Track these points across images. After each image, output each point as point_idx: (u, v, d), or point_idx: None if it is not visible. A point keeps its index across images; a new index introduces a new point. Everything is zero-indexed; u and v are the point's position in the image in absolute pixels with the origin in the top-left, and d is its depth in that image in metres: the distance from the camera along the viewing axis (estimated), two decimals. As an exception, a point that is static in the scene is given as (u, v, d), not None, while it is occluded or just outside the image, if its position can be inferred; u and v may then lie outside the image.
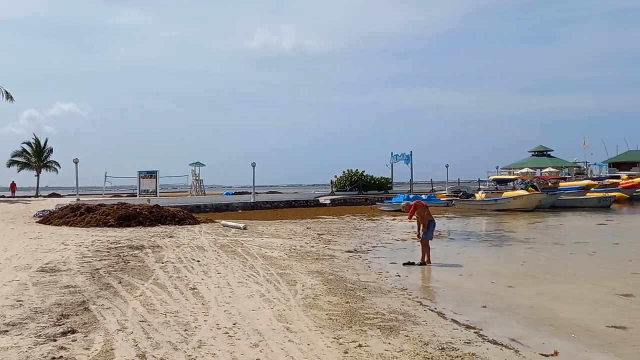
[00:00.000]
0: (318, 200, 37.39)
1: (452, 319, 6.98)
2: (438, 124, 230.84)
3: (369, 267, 11.72)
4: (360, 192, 43.91)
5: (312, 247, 14.80)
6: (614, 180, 46.14)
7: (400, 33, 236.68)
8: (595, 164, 69.37)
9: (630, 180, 44.95)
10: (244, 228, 18.78)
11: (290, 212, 30.67)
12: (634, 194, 41.40)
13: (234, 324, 6.44)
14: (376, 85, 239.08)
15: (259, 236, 16.99)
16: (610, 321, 6.96)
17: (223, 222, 20.91)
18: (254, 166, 36.34)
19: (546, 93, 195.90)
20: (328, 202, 36.97)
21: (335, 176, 47.11)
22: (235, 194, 49.96)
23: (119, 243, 14.47)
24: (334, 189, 46.11)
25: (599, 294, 8.78)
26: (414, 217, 12.55)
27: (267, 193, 53.60)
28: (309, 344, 5.60)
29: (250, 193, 37.39)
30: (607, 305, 7.94)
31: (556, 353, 5.60)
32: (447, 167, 51.75)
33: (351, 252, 14.10)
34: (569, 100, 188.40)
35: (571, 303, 8.18)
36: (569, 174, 60.77)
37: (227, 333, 6.04)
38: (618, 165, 68.43)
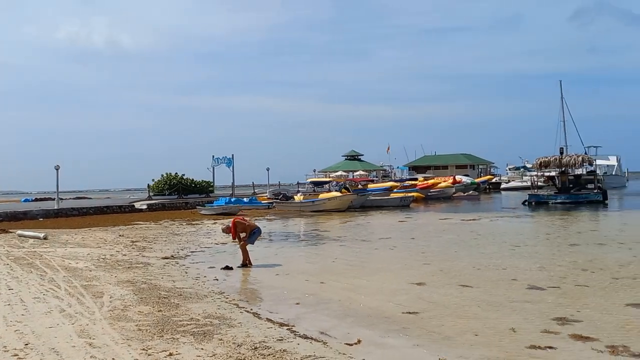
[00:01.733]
0: (133, 206, 35.23)
1: (267, 318, 7.10)
2: (260, 128, 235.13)
3: (186, 272, 11.38)
4: (180, 196, 42.55)
5: (124, 255, 13.88)
6: (413, 182, 51.80)
7: (224, 38, 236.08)
8: (397, 168, 77.18)
9: (425, 182, 50.87)
10: (45, 238, 16.84)
11: (101, 219, 28.35)
12: (429, 194, 46.91)
13: (26, 344, 5.70)
14: (200, 89, 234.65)
15: (62, 246, 15.38)
16: (405, 308, 7.75)
17: (19, 232, 18.50)
18: (57, 169, 32.86)
19: (357, 102, 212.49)
20: (145, 207, 35.09)
21: (153, 180, 44.95)
22: (36, 200, 44.67)
23: None
24: (151, 194, 43.93)
25: (397, 284, 9.73)
26: (238, 234, 12.45)
27: (74, 199, 48.94)
28: (113, 359, 5.20)
29: (53, 199, 33.72)
30: (403, 294, 8.84)
31: (359, 341, 6.04)
32: (268, 170, 52.98)
33: (168, 258, 13.56)
34: (376, 110, 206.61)
35: (374, 293, 8.93)
36: (376, 177, 66.61)
37: (16, 355, 5.31)
38: (416, 168, 77.13)
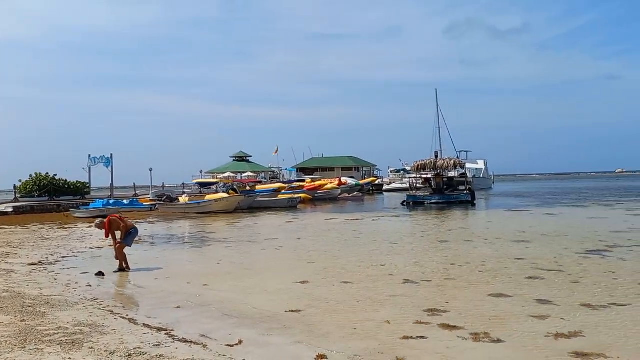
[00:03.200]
0: (-4, 208, 31.98)
1: (144, 324, 6.80)
2: (143, 127, 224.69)
3: (56, 279, 10.56)
4: (52, 198, 39.31)
5: (-17, 262, 12.54)
6: (300, 184, 52.60)
7: (104, 30, 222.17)
8: (286, 169, 78.00)
9: (312, 183, 51.89)
10: None
11: (-44, 223, 25.38)
12: (316, 195, 47.88)
13: None
14: (80, 83, 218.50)
15: None
16: (288, 306, 7.83)
17: None
18: None
19: (246, 103, 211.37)
20: (10, 210, 32.01)
21: (20, 180, 41.04)
22: None
23: None
24: (18, 196, 40.08)
25: (281, 283, 9.81)
26: (113, 232, 11.76)
27: None
28: (-36, 377, 4.68)
29: None
30: (287, 293, 8.93)
31: (240, 342, 6.00)
32: (150, 170, 50.80)
33: (35, 264, 12.49)
34: (265, 112, 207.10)
35: (258, 293, 8.93)
36: (265, 178, 66.66)
37: None
38: (304, 170, 78.47)
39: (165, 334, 6.31)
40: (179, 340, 5.98)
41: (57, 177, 41.41)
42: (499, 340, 6.00)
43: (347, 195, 52.97)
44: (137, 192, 48.88)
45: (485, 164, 75.79)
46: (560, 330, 6.29)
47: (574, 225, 19.88)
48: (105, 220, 11.68)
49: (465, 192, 37.29)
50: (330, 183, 52.82)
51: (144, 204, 36.53)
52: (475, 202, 35.91)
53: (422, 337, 6.18)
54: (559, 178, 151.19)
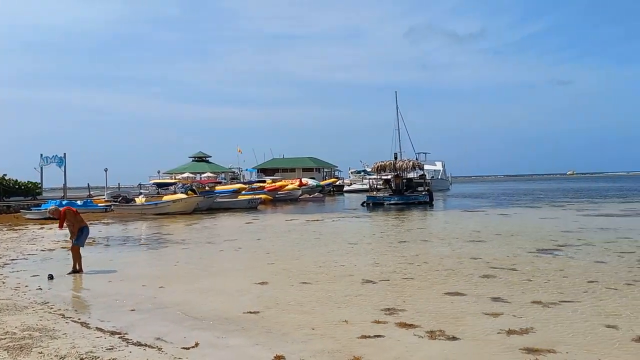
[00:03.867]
0: (-60, 210, 30.49)
1: (96, 327, 6.61)
2: (99, 126, 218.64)
3: (4, 282, 10.16)
4: (2, 199, 37.78)
5: None
6: (261, 184, 52.31)
7: (55, 27, 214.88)
8: (247, 170, 77.39)
9: (273, 184, 51.69)
10: None
11: None
12: (277, 196, 47.71)
13: None
14: (33, 80, 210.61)
15: None
16: (247, 307, 7.76)
17: None
18: None
19: (206, 103, 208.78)
20: (-45, 211, 30.56)
21: (-34, 180, 39.27)
22: None
23: None
24: (-36, 196, 38.32)
25: (240, 285, 9.71)
26: (65, 226, 11.44)
27: None
28: None
29: None
30: (245, 294, 8.86)
31: (197, 344, 5.91)
32: (106, 171, 49.45)
33: (-19, 268, 11.95)
34: (225, 112, 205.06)
35: (216, 295, 8.82)
36: (225, 179, 65.99)
37: None
38: (265, 171, 78.06)
39: (119, 337, 6.15)
40: (132, 344, 5.84)
41: (6, 177, 39.84)
42: (454, 338, 6.12)
43: (308, 196, 53.02)
44: (91, 192, 47.50)
45: (443, 166, 77.40)
46: (513, 327, 6.47)
47: (527, 225, 20.51)
48: (61, 209, 11.39)
49: (423, 193, 37.92)
50: (291, 184, 52.78)
51: (99, 205, 35.58)
52: (433, 202, 36.55)
53: (379, 336, 6.23)
54: (513, 179, 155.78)
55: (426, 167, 54.00)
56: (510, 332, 6.29)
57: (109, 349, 5.60)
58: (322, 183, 62.82)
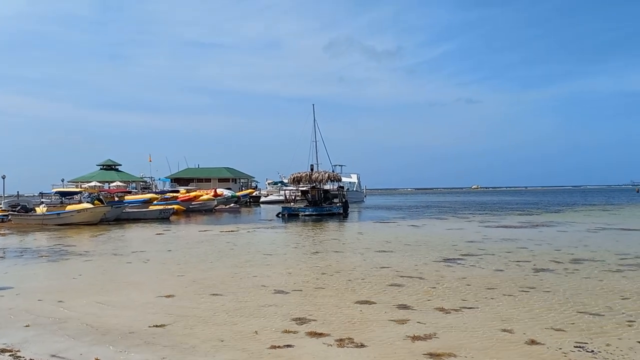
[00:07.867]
0: None
1: (-17, 346, 6.07)
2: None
3: None
4: None
5: None
6: (174, 194, 50.69)
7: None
8: (159, 179, 74.73)
9: (187, 195, 50.29)
10: None
11: None
12: (190, 206, 46.46)
13: None
14: None
15: None
16: (152, 321, 7.48)
17: None
18: None
19: (116, 108, 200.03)
20: None
21: None
22: None
23: None
24: None
25: (146, 297, 9.34)
26: None
27: None
28: None
29: None
30: (152, 307, 8.52)
31: (96, 360, 5.60)
32: (3, 178, 45.77)
33: None
34: (137, 118, 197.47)
35: (120, 309, 8.41)
36: (135, 188, 63.30)
37: None
38: (178, 180, 75.77)
39: (10, 355, 5.71)
40: (24, 363, 5.43)
41: None
42: (362, 345, 6.25)
43: (223, 206, 52.08)
44: (-15, 201, 43.73)
45: (358, 178, 79.13)
46: (417, 333, 6.72)
47: (434, 236, 21.46)
48: None
49: (338, 204, 38.55)
50: (206, 194, 51.61)
51: (-6, 214, 32.85)
52: (348, 213, 37.23)
53: (289, 346, 6.23)
54: (422, 192, 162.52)
55: (342, 179, 54.99)
56: (415, 337, 6.53)
57: (-4, 369, 5.17)
58: (238, 194, 62.03)
